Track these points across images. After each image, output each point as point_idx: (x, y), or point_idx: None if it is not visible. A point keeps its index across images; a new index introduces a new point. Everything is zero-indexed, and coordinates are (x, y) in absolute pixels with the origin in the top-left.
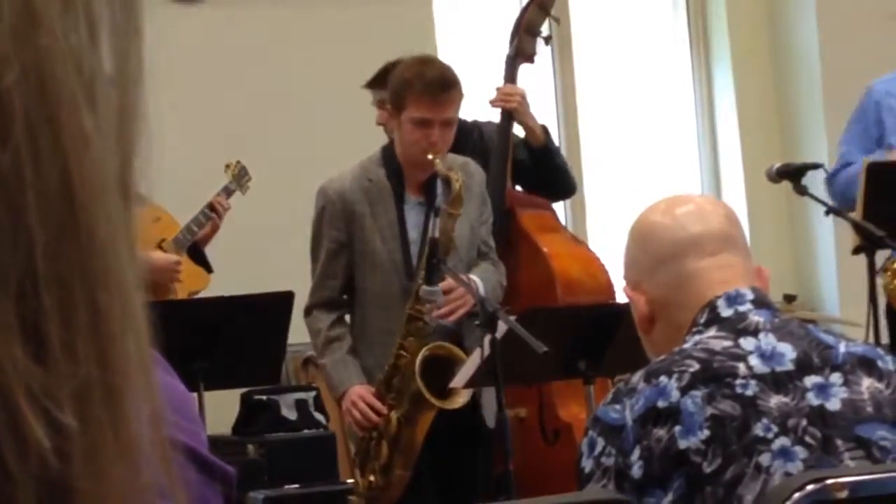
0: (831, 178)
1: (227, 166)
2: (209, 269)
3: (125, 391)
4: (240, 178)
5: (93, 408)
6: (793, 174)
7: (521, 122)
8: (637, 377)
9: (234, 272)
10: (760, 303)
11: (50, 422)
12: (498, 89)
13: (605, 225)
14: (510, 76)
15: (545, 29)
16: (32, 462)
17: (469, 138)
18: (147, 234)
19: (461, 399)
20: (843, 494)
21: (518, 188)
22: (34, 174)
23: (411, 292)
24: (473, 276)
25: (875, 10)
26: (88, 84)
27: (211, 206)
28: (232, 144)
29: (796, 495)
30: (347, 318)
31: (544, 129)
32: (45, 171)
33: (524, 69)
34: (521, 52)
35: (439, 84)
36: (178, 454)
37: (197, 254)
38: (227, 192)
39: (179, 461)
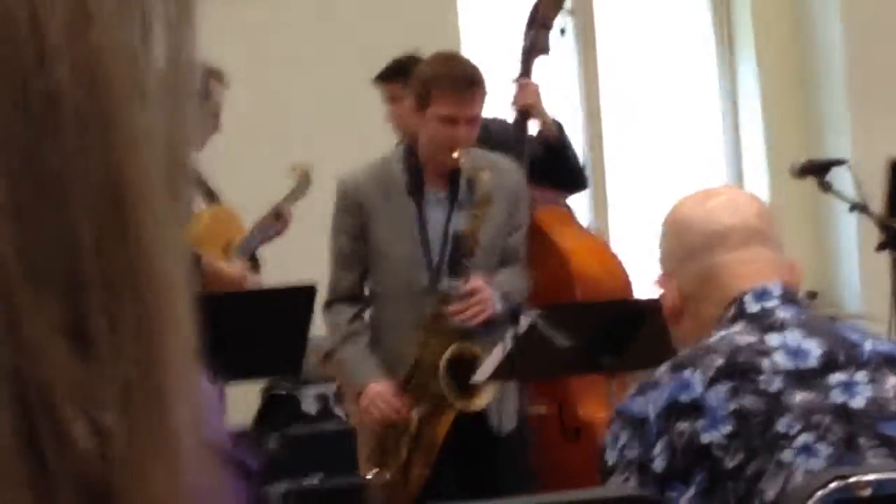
0: None
1: (293, 168)
2: (257, 267)
3: (168, 393)
4: (304, 182)
5: (135, 409)
6: (817, 170)
7: (536, 119)
8: (661, 370)
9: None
10: (788, 299)
11: (92, 423)
12: (514, 81)
13: (627, 220)
14: (525, 70)
15: (560, 21)
16: (74, 462)
17: (489, 135)
18: (214, 234)
19: (483, 401)
20: (867, 492)
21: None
22: (83, 172)
23: (432, 289)
24: (494, 283)
25: None
26: (140, 80)
27: (277, 214)
28: (275, 140)
29: (820, 493)
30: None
31: (558, 125)
32: (94, 169)
33: (546, 63)
34: (535, 45)
35: (466, 81)
36: (216, 456)
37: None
38: (294, 198)
39: (218, 464)
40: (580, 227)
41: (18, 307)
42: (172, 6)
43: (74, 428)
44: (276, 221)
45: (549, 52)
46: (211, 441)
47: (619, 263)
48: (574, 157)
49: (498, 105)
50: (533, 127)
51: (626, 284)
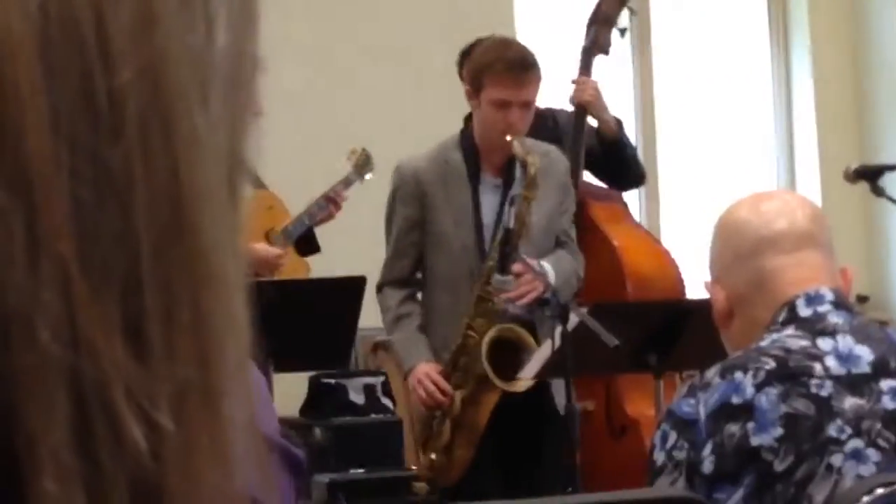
0: None
1: (352, 152)
2: (318, 249)
3: (223, 394)
4: (362, 167)
5: (190, 409)
6: (870, 175)
7: (595, 115)
8: (712, 372)
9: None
10: (840, 304)
11: (147, 422)
12: (573, 81)
13: (678, 219)
14: (585, 68)
15: (621, 21)
16: (127, 461)
17: (544, 125)
18: (257, 222)
19: (525, 383)
20: None
21: (587, 175)
22: (144, 174)
23: (481, 274)
24: (545, 264)
25: None
26: (203, 82)
27: (327, 198)
28: (328, 128)
29: (866, 498)
30: (419, 296)
31: (618, 122)
32: (155, 172)
33: (602, 61)
34: (596, 43)
35: (519, 65)
36: (267, 452)
37: (307, 236)
38: (347, 183)
39: (273, 465)
40: (635, 223)
41: (76, 305)
42: (237, 13)
43: (130, 427)
44: (327, 206)
45: (609, 52)
46: (262, 436)
47: (673, 262)
48: (632, 154)
49: (557, 99)
50: (592, 123)
51: (679, 283)
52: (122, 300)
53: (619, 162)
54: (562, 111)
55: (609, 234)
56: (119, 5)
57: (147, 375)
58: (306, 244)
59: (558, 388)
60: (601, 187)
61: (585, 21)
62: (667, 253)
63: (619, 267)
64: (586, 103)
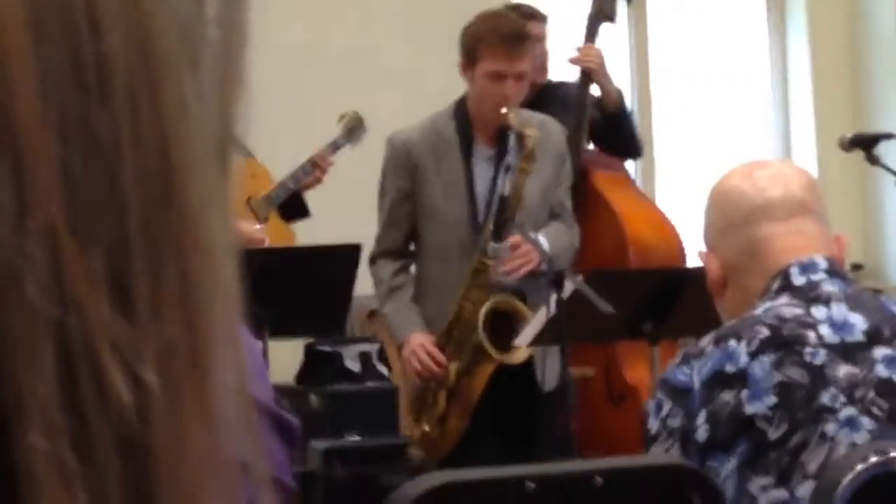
0: None
1: (342, 116)
2: (307, 213)
3: (210, 357)
4: (352, 130)
5: (176, 369)
6: (865, 143)
7: (598, 83)
8: (706, 340)
9: (306, 222)
10: (834, 272)
11: (132, 377)
12: (578, 48)
13: (674, 187)
14: (590, 35)
15: None
16: (112, 416)
17: (558, 96)
18: (238, 190)
19: (522, 354)
20: None
21: (591, 146)
22: (132, 138)
23: (476, 246)
24: (540, 237)
25: None
26: (192, 50)
27: (313, 163)
28: (321, 95)
29: (860, 466)
30: (413, 268)
31: (619, 93)
32: (143, 136)
33: (602, 29)
34: (601, 11)
35: (513, 37)
36: (259, 421)
37: (293, 201)
38: (335, 146)
39: (262, 431)
40: (638, 192)
41: (63, 263)
42: None
43: (115, 382)
44: (313, 170)
45: (615, 20)
46: (255, 402)
47: (674, 231)
48: (631, 126)
49: (561, 69)
50: (594, 92)
51: (680, 252)
52: (110, 260)
53: (618, 133)
54: (570, 83)
55: (612, 201)
56: None
57: (134, 333)
58: (293, 209)
59: (545, 359)
60: (604, 156)
61: None
62: (668, 221)
63: (622, 235)
64: (590, 70)
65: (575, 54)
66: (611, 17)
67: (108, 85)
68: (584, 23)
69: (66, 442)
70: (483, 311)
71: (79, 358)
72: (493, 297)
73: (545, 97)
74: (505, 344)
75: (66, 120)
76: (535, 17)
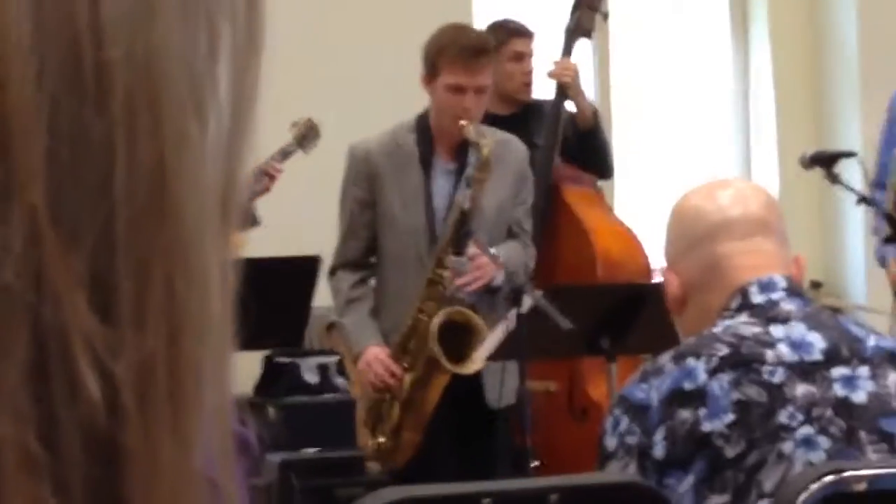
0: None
1: (294, 124)
2: (257, 222)
3: (192, 377)
4: (304, 138)
5: (154, 382)
6: (826, 161)
7: (573, 99)
8: (665, 358)
9: (263, 232)
10: (793, 291)
11: (104, 376)
12: (555, 63)
13: (634, 204)
14: (567, 50)
15: (604, 4)
16: (81, 411)
17: (540, 114)
18: None
19: (475, 365)
20: (861, 487)
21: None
22: (127, 152)
23: (432, 257)
24: (496, 251)
25: None
26: (199, 93)
27: (262, 171)
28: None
29: (814, 486)
30: (372, 280)
31: (594, 112)
32: (140, 154)
33: (558, 46)
34: (580, 25)
35: (473, 50)
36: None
37: None
38: (284, 154)
39: (237, 457)
40: (608, 208)
41: (43, 252)
42: (241, 35)
43: (86, 378)
44: (262, 178)
45: (592, 36)
46: (231, 427)
47: (642, 248)
48: (604, 144)
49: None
50: (570, 107)
51: (647, 269)
52: (93, 260)
53: (590, 151)
54: (546, 101)
55: (582, 217)
56: None
57: (111, 335)
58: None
59: (494, 376)
60: (575, 171)
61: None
62: (636, 238)
63: (591, 250)
64: (566, 84)
65: (552, 69)
66: (588, 33)
67: (107, 94)
68: (563, 37)
69: (32, 430)
70: (436, 322)
71: (51, 350)
72: (446, 309)
73: (527, 114)
74: (459, 355)
75: (58, 114)
76: (522, 33)
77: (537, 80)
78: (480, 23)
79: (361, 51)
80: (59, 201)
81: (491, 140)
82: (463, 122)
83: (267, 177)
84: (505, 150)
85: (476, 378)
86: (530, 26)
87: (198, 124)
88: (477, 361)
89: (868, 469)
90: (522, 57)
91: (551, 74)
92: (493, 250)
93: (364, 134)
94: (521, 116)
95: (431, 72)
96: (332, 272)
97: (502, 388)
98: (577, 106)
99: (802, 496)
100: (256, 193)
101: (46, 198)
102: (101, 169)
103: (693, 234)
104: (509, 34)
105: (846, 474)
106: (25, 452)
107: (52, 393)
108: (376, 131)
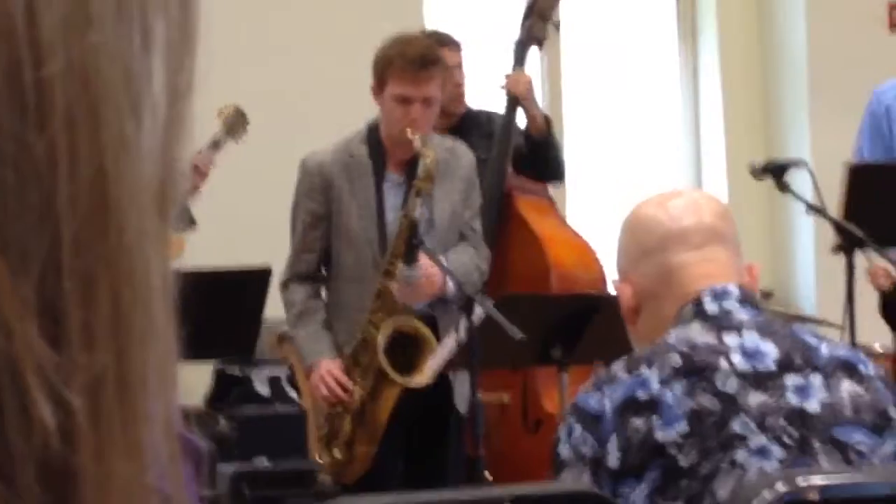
0: None
1: (219, 113)
2: (192, 222)
3: (140, 390)
4: (233, 126)
5: (105, 400)
6: (775, 171)
7: (525, 109)
8: (618, 366)
9: (212, 242)
10: (746, 300)
11: (58, 403)
12: (507, 75)
13: (585, 215)
14: (519, 60)
15: (556, 14)
16: (35, 440)
17: (479, 124)
18: None
19: (424, 377)
20: (814, 496)
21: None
22: (69, 166)
23: (379, 271)
24: (444, 260)
25: (863, 10)
26: (134, 91)
27: (192, 166)
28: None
29: (766, 494)
30: (324, 292)
31: (547, 121)
32: (81, 165)
33: (511, 56)
34: (531, 36)
35: (420, 61)
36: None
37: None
38: (214, 146)
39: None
40: (560, 219)
41: None
42: (175, 31)
43: (39, 405)
44: (192, 175)
45: (543, 46)
46: (179, 435)
47: (596, 257)
48: (556, 154)
49: (485, 96)
50: (521, 117)
51: (601, 278)
52: (41, 284)
53: (543, 161)
54: (494, 112)
55: (535, 227)
56: (53, 1)
57: (62, 360)
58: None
59: (463, 381)
60: (527, 181)
61: (503, 12)
62: (590, 248)
63: (544, 260)
64: (520, 95)
65: (503, 80)
66: (540, 42)
67: (48, 111)
68: (513, 48)
69: None
70: (382, 334)
71: (4, 380)
72: (392, 320)
73: (465, 125)
74: (409, 367)
75: (1, 138)
76: (450, 44)
77: (489, 90)
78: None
79: (310, 55)
80: (6, 227)
81: (433, 151)
82: (409, 134)
83: (196, 173)
84: (452, 157)
85: (437, 385)
86: (473, 35)
87: (134, 122)
88: (427, 373)
89: (820, 477)
90: (452, 67)
91: (506, 87)
92: (442, 259)
93: (313, 141)
94: (459, 128)
95: (380, 83)
96: (285, 285)
97: (456, 397)
98: (529, 115)
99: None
100: (187, 192)
101: None
102: (44, 188)
103: (646, 243)
104: (437, 45)
105: (799, 483)
106: None
107: (5, 425)
108: (325, 137)
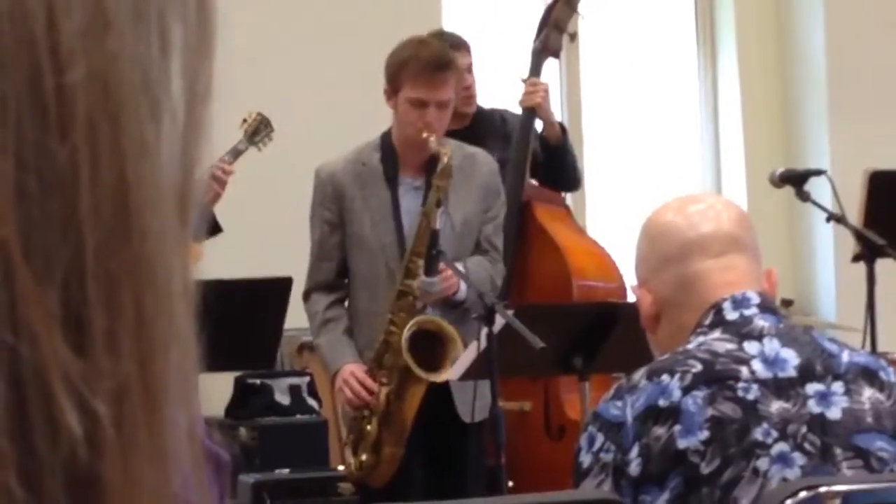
0: None
1: (244, 120)
2: (218, 229)
3: (164, 397)
4: (255, 134)
5: (130, 407)
6: (795, 180)
7: (541, 117)
8: (639, 374)
9: (234, 252)
10: (766, 307)
11: (84, 410)
12: (524, 82)
13: (605, 224)
14: (535, 70)
15: (572, 25)
16: (62, 448)
17: (492, 124)
18: None
19: (449, 374)
20: (836, 503)
21: (532, 181)
22: (91, 173)
23: (400, 272)
24: (461, 266)
25: (882, 16)
26: (154, 95)
27: (212, 175)
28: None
29: (789, 501)
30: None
31: (562, 128)
32: (102, 172)
33: (528, 62)
34: (547, 46)
35: (435, 64)
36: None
37: None
38: (235, 153)
39: (210, 475)
40: (578, 227)
41: (17, 291)
42: (193, 34)
43: (66, 413)
44: (212, 183)
45: (559, 56)
46: (202, 444)
47: (616, 267)
48: (573, 161)
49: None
50: (537, 126)
51: (621, 287)
52: (65, 292)
53: (559, 168)
54: (508, 111)
55: (555, 236)
56: (72, 7)
57: (87, 367)
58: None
59: (463, 392)
60: (545, 190)
61: (526, 19)
62: (609, 256)
63: (566, 269)
64: (537, 105)
65: (520, 87)
66: (556, 53)
67: (69, 118)
68: (530, 58)
69: (12, 470)
70: (406, 332)
71: (30, 388)
72: (416, 318)
73: (477, 126)
74: (433, 364)
75: (24, 146)
76: (460, 46)
77: (506, 91)
78: (450, 29)
79: (331, 60)
80: (30, 235)
81: (449, 149)
82: (425, 134)
83: (216, 181)
84: (471, 163)
85: (447, 394)
86: (499, 35)
87: (154, 127)
88: (451, 371)
89: (843, 485)
90: (462, 70)
91: (523, 101)
92: (460, 266)
93: (336, 149)
94: (472, 129)
95: (393, 87)
96: (307, 296)
97: (475, 403)
98: (545, 123)
99: None
100: (209, 199)
101: (17, 233)
102: (67, 195)
103: (665, 251)
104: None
105: (821, 490)
106: (7, 495)
107: (32, 433)
108: (348, 144)
